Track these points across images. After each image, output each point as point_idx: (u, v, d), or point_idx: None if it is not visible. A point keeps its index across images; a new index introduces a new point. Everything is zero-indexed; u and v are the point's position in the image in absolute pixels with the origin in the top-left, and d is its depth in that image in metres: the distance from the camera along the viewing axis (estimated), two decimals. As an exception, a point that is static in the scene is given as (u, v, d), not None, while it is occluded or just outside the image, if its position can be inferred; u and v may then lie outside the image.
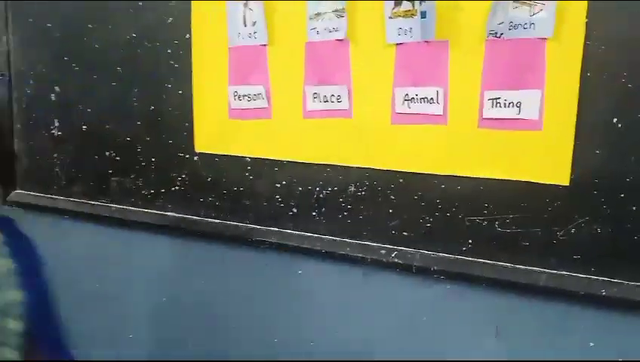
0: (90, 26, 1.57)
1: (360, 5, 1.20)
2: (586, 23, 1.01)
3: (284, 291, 1.44)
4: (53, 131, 1.70)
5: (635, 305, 1.05)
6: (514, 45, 1.06)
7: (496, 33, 1.07)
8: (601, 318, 1.10)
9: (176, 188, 1.51)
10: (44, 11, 1.65)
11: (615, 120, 1.03)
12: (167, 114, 1.49)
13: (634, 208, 1.03)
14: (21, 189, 1.79)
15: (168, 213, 1.53)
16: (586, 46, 1.02)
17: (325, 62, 1.26)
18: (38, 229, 1.83)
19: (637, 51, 1.00)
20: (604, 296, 1.07)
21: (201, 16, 1.40)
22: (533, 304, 1.16)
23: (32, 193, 1.77)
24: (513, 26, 1.05)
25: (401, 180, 1.23)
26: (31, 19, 1.68)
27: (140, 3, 1.48)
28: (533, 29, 1.04)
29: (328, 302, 1.39)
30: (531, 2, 1.03)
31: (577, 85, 1.03)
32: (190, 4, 1.40)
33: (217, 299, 1.54)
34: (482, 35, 1.09)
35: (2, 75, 1.75)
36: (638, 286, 1.05)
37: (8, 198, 1.81)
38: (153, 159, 1.54)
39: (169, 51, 1.46)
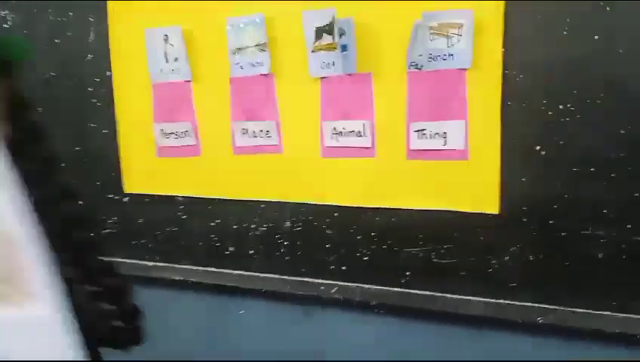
0: (5, 65, 1.49)
1: (282, 39, 1.17)
2: (503, 52, 1.01)
3: (223, 332, 1.39)
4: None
5: (571, 330, 1.05)
6: (435, 76, 1.05)
7: (417, 65, 1.06)
8: (538, 345, 1.10)
9: (107, 231, 1.44)
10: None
11: (538, 147, 1.02)
12: (93, 154, 1.42)
13: (563, 234, 1.03)
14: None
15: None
16: (504, 75, 1.02)
17: (252, 97, 1.22)
18: None
19: (554, 80, 1.00)
20: (540, 323, 1.06)
21: (120, 53, 1.34)
22: (472, 333, 1.15)
23: None
24: (432, 58, 1.04)
25: (335, 214, 1.21)
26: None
27: (57, 40, 1.41)
28: (452, 59, 1.03)
29: (271, 341, 1.35)
30: (448, 34, 1.01)
31: (499, 114, 1.03)
32: (108, 40, 1.34)
33: (159, 343, 1.47)
34: (403, 67, 1.07)
35: None
36: (572, 311, 1.05)
37: None
38: (80, 202, 1.46)
39: (90, 89, 1.39)
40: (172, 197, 1.36)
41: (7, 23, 1.47)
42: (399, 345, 1.23)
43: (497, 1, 1.00)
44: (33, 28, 1.43)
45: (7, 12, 1.47)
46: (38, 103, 1.48)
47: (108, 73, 1.36)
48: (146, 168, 1.37)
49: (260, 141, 1.24)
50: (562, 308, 1.05)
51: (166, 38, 1.28)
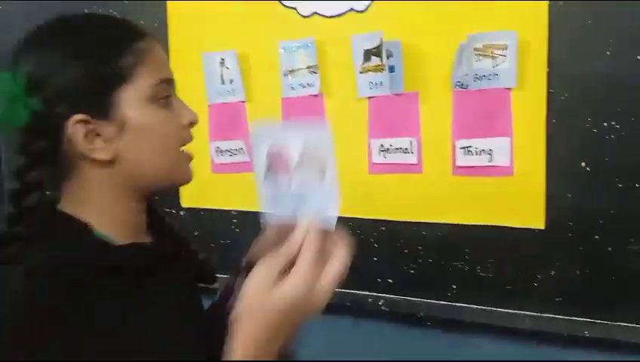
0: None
1: (332, 61, 1.23)
2: (548, 72, 1.04)
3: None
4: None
5: (617, 344, 1.06)
6: (480, 95, 1.09)
7: (462, 84, 1.10)
8: (585, 359, 1.10)
9: (165, 243, 1.53)
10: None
11: (583, 163, 1.05)
12: (153, 171, 1.51)
13: (609, 249, 1.05)
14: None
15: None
16: (549, 93, 1.05)
17: (302, 116, 1.29)
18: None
19: (598, 97, 1.02)
20: (587, 337, 1.07)
21: (180, 75, 1.41)
22: (516, 346, 1.16)
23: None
24: (478, 78, 1.08)
25: (383, 228, 1.25)
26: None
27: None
28: (497, 79, 1.07)
29: (319, 353, 1.39)
30: (493, 54, 1.06)
31: (544, 131, 1.06)
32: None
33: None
34: (449, 87, 1.12)
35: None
36: (619, 326, 1.06)
37: None
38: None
39: (151, 110, 1.49)
40: (226, 211, 1.43)
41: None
42: (444, 357, 1.25)
43: (542, 16, 1.03)
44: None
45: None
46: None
47: (168, 94, 1.45)
48: (202, 184, 1.45)
49: (310, 158, 1.30)
50: (609, 322, 1.06)
51: (222, 62, 1.36)
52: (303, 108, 1.28)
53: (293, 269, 0.58)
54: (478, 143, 1.11)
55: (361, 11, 1.19)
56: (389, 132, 1.20)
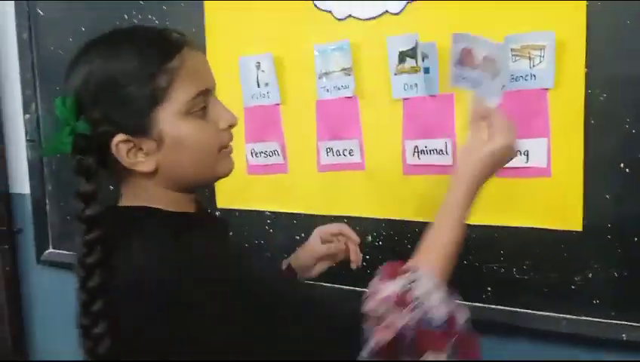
0: (113, 92, 1.65)
1: (366, 63, 1.25)
2: (586, 72, 1.04)
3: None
4: (82, 192, 1.77)
5: (657, 348, 1.05)
6: (517, 96, 1.09)
7: (498, 85, 1.10)
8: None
9: (200, 243, 1.56)
10: (71, 80, 1.74)
11: (622, 165, 1.04)
12: (189, 172, 1.55)
13: (648, 251, 1.04)
14: (54, 248, 1.87)
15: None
16: (587, 94, 1.04)
17: (336, 119, 1.30)
18: (70, 287, 1.90)
19: (637, 97, 1.01)
20: (625, 340, 1.06)
21: (217, 79, 1.46)
22: (554, 350, 1.15)
23: (63, 252, 1.84)
24: (515, 78, 1.08)
25: (416, 229, 1.25)
26: (58, 88, 1.78)
27: (159, 69, 1.55)
28: (534, 80, 1.07)
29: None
30: (530, 55, 1.05)
31: (582, 132, 1.05)
32: (206, 68, 1.47)
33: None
34: (485, 88, 1.12)
35: (32, 140, 1.84)
36: (659, 329, 1.04)
37: (42, 257, 1.89)
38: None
39: (188, 113, 1.52)
40: (260, 212, 1.45)
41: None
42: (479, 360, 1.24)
43: (580, 16, 1.03)
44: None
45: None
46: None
47: (204, 97, 1.49)
48: (237, 185, 1.47)
49: (343, 159, 1.31)
50: (648, 326, 1.05)
51: (258, 65, 1.38)
52: (338, 111, 1.30)
53: (490, 133, 0.81)
54: (514, 144, 1.11)
55: (396, 13, 1.20)
56: (424, 133, 1.20)
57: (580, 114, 1.05)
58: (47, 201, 1.86)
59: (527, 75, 1.07)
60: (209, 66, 0.81)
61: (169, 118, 0.72)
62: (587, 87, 1.04)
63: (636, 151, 1.02)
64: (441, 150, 1.18)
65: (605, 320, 1.08)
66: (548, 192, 1.10)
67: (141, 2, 1.54)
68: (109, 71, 0.71)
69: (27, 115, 1.84)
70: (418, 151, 1.22)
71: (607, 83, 1.03)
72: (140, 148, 0.74)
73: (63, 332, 1.96)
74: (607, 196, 1.05)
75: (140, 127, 0.72)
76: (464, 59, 0.90)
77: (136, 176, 0.76)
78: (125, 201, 0.80)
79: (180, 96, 0.72)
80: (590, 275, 1.09)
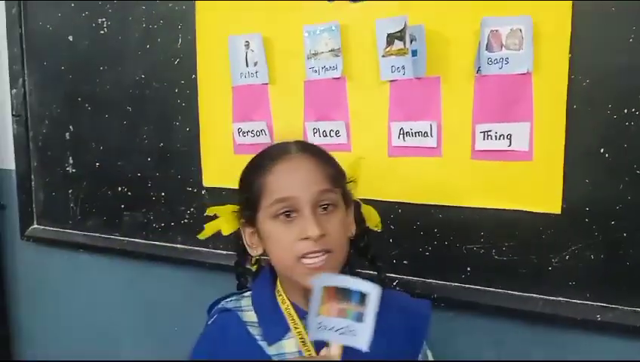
0: (101, 68, 1.65)
1: (354, 45, 1.25)
2: (570, 57, 1.06)
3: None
4: (67, 168, 1.77)
5: (630, 329, 1.07)
6: (501, 80, 1.11)
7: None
8: (596, 343, 1.12)
9: (186, 221, 1.57)
10: (58, 55, 1.73)
11: (602, 150, 1.06)
12: (176, 150, 1.56)
13: (624, 235, 1.06)
14: (38, 224, 1.87)
15: (178, 246, 1.59)
16: (570, 80, 1.06)
17: (324, 99, 1.31)
18: (54, 262, 1.91)
19: (619, 84, 1.03)
20: (599, 321, 1.09)
21: (205, 58, 1.47)
22: (530, 329, 1.18)
23: (48, 228, 1.84)
24: (492, 62, 1.10)
25: (399, 210, 1.27)
26: (45, 63, 1.77)
27: (148, 46, 1.55)
28: (512, 64, 1.09)
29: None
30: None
31: (564, 117, 1.07)
32: (196, 47, 1.47)
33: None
34: (471, 71, 1.13)
35: (18, 115, 1.83)
36: (633, 311, 1.07)
37: (26, 233, 1.89)
38: (163, 194, 1.60)
39: (176, 91, 1.53)
40: (246, 191, 1.46)
41: (103, 30, 1.64)
42: (458, 338, 1.27)
43: (565, 3, 1.05)
44: (127, 34, 1.59)
45: (103, 20, 1.63)
46: (130, 103, 1.64)
47: (193, 76, 1.49)
48: (224, 164, 1.48)
49: (329, 140, 1.32)
50: (622, 307, 1.07)
51: (247, 44, 1.39)
52: (325, 91, 1.31)
53: None
54: (498, 128, 1.13)
55: (386, -4, 1.21)
56: (410, 115, 1.22)
57: (563, 99, 1.07)
58: (33, 177, 1.85)
59: (505, 58, 1.09)
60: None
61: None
62: (571, 72, 1.06)
63: (617, 137, 1.05)
64: (426, 132, 1.20)
65: (581, 301, 1.11)
66: (529, 176, 1.12)
67: (131, -22, 1.54)
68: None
69: (14, 90, 1.82)
70: (403, 133, 1.23)
71: (591, 69, 1.05)
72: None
73: (46, 307, 1.98)
74: (587, 180, 1.08)
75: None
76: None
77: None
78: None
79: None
80: (567, 257, 1.11)
